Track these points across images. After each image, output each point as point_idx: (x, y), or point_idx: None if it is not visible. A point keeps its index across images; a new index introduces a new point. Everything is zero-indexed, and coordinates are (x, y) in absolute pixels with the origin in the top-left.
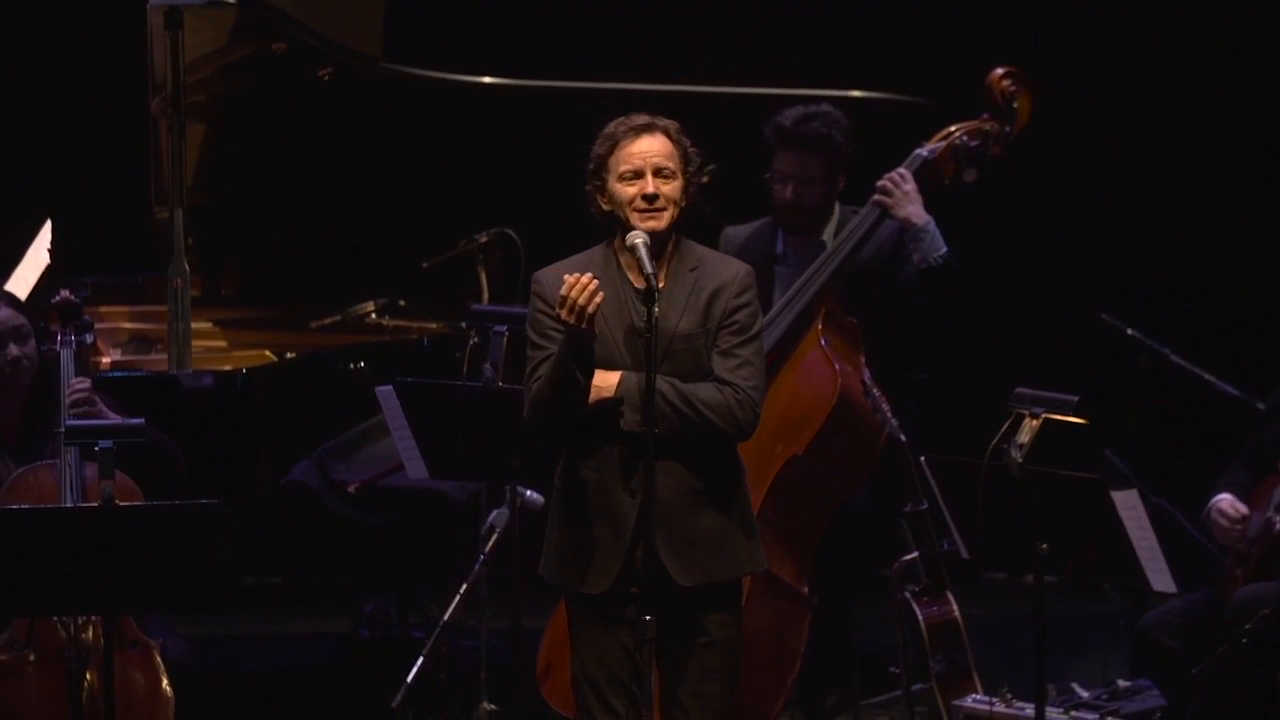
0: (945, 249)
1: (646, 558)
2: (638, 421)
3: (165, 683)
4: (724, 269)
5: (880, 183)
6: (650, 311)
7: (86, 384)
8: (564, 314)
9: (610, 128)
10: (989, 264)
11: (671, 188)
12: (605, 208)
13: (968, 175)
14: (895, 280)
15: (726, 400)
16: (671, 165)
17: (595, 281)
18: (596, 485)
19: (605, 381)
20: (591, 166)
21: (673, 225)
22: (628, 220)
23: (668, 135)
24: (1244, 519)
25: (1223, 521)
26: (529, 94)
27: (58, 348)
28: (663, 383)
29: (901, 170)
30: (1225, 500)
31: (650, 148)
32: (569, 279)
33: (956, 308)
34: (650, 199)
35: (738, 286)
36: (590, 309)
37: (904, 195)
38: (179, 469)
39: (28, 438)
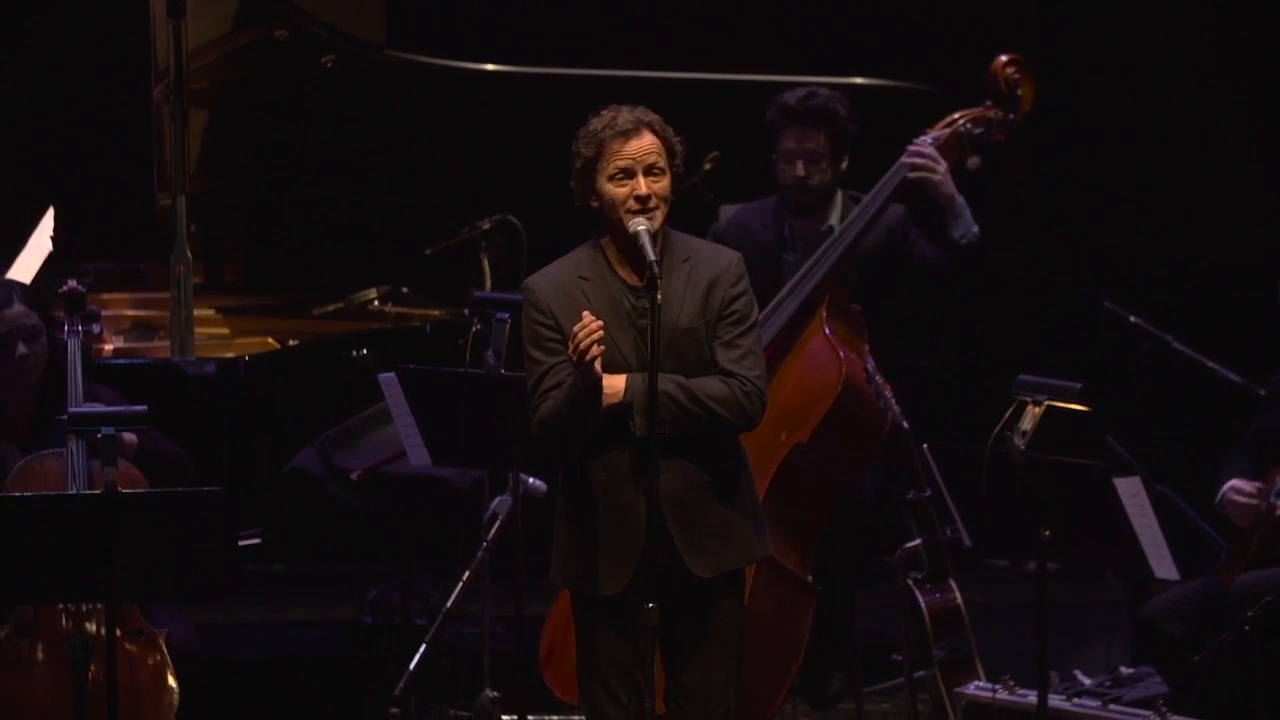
0: (978, 227)
1: (651, 549)
2: (648, 425)
3: (170, 672)
4: (716, 258)
5: (913, 158)
6: (653, 299)
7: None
8: (570, 352)
9: (596, 126)
10: (992, 251)
11: (661, 185)
12: (594, 205)
13: (971, 162)
14: (910, 263)
15: (734, 393)
16: (661, 162)
17: (601, 332)
18: (606, 487)
19: (612, 386)
20: (578, 165)
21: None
22: (620, 220)
23: (653, 131)
24: (1259, 491)
25: (1239, 499)
26: (531, 81)
27: (64, 337)
28: (669, 383)
29: (929, 142)
30: (1238, 481)
31: (641, 148)
32: (580, 324)
33: (973, 290)
34: (643, 200)
35: (733, 275)
36: (589, 355)
37: (946, 174)
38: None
39: (36, 429)
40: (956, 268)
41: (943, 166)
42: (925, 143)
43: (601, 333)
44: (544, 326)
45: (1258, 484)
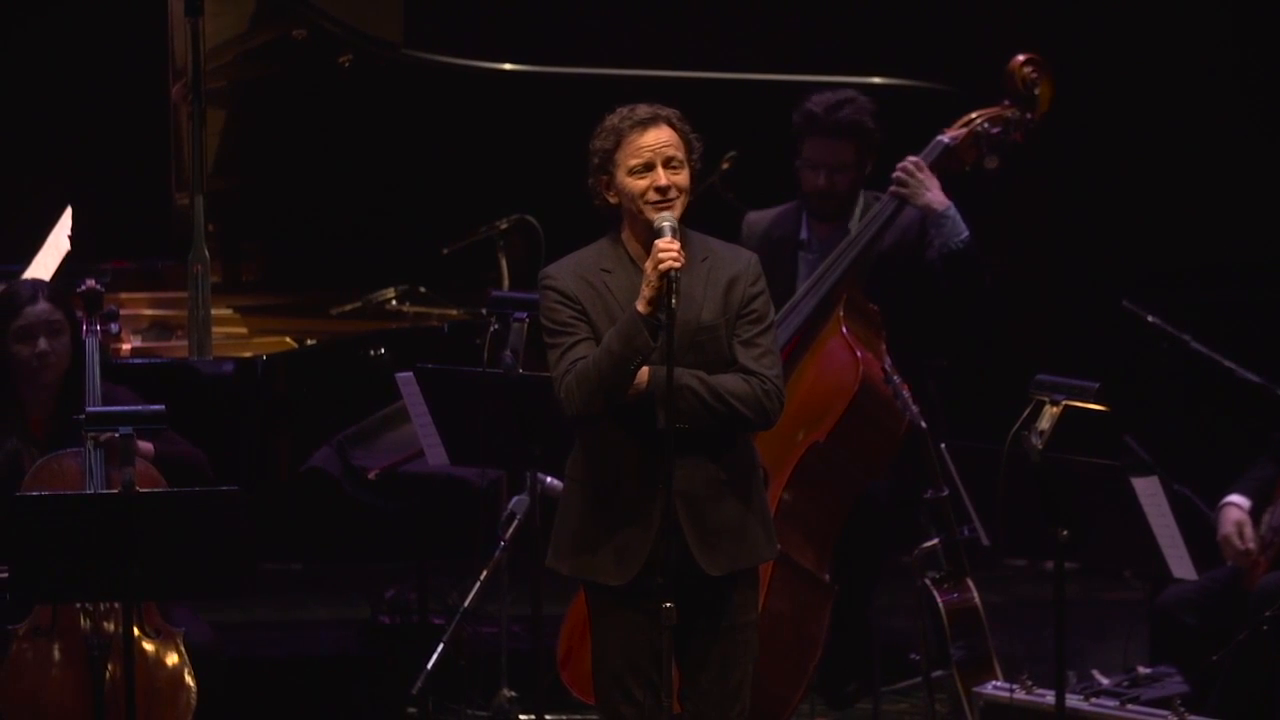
0: (966, 233)
1: (670, 547)
2: (666, 419)
3: (187, 672)
4: (734, 257)
5: (895, 173)
6: (668, 291)
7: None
8: (648, 268)
9: (613, 121)
10: (1010, 251)
11: (681, 177)
12: (613, 201)
13: (989, 162)
14: (919, 265)
15: (754, 391)
16: (680, 155)
17: (678, 252)
18: (619, 477)
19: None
20: (596, 161)
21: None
22: (640, 213)
23: (671, 125)
24: (1248, 551)
25: (1236, 542)
26: (549, 80)
27: (84, 336)
28: (690, 377)
29: (915, 158)
30: (1232, 522)
31: (659, 139)
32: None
33: (978, 293)
34: (663, 191)
35: (751, 275)
36: (663, 266)
37: (920, 183)
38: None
39: (55, 428)
40: (945, 274)
41: (920, 176)
42: (911, 161)
43: (679, 253)
44: (569, 309)
45: (1250, 544)
